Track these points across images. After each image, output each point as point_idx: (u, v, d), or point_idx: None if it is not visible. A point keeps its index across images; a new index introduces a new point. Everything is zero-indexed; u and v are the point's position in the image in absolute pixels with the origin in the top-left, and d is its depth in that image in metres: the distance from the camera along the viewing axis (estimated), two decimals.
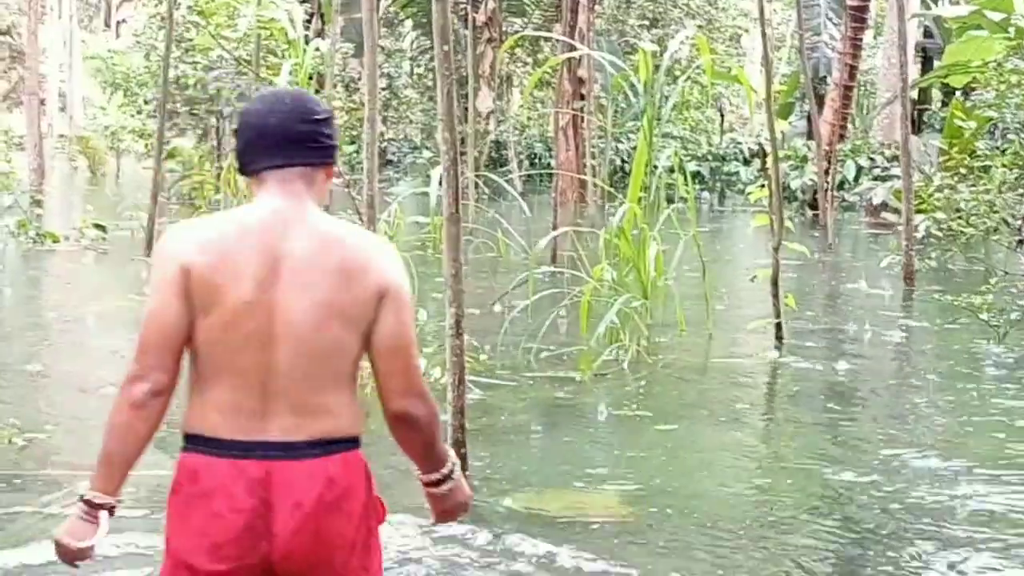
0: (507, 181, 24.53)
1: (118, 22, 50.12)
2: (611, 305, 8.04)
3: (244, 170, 3.24)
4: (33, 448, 5.56)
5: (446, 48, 4.98)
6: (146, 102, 23.76)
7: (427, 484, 3.32)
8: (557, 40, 22.59)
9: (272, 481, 3.14)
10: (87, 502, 3.06)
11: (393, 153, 32.30)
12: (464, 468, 5.03)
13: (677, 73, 21.40)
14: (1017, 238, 13.73)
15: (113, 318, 9.87)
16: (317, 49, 15.30)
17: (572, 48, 19.39)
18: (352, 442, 3.20)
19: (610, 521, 4.68)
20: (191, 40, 20.22)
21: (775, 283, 8.87)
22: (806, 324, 9.96)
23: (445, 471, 3.26)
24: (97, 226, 15.05)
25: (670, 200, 9.32)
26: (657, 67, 8.67)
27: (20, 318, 9.85)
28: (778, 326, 8.84)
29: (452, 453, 3.27)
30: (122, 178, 32.62)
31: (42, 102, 30.14)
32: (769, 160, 9.26)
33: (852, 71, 23.35)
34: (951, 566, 4.34)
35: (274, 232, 3.20)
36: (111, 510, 3.04)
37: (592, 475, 5.36)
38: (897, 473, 5.56)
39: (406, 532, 4.45)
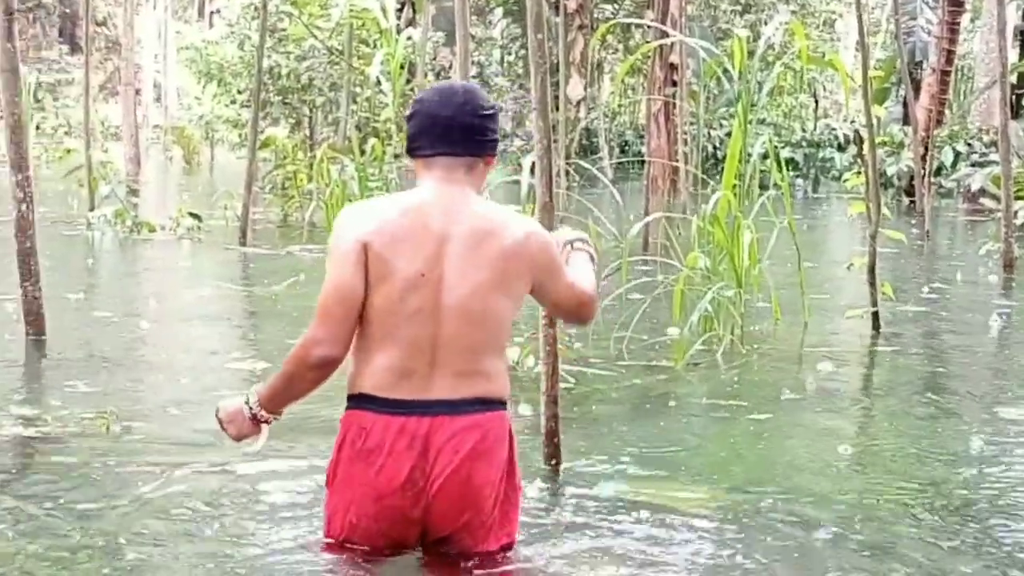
0: (598, 169, 24.45)
1: (211, 12, 50.63)
2: (704, 294, 7.98)
3: (413, 154, 3.68)
4: (130, 436, 5.62)
5: (540, 36, 4.95)
6: (239, 92, 23.97)
7: None
8: (649, 26, 22.48)
9: (433, 435, 3.59)
10: (253, 415, 3.67)
11: None
12: (557, 459, 5.01)
13: (771, 59, 21.20)
14: None
15: (209, 306, 9.97)
16: (409, 38, 15.35)
17: (664, 35, 19.26)
18: (502, 404, 3.73)
19: (704, 512, 4.63)
20: (284, 30, 20.36)
21: (872, 271, 8.75)
22: (903, 313, 9.82)
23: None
24: (192, 215, 15.23)
25: (763, 187, 9.22)
26: (751, 53, 8.57)
27: (118, 306, 9.95)
28: (875, 315, 8.72)
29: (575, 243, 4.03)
30: (216, 167, 33.01)
31: (137, 92, 30.50)
32: (865, 146, 9.13)
33: (949, 56, 22.97)
34: None
35: (440, 214, 3.61)
36: (268, 423, 3.69)
37: (686, 465, 5.31)
38: (998, 465, 5.46)
39: None
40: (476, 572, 3.72)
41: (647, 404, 6.49)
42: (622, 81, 34.27)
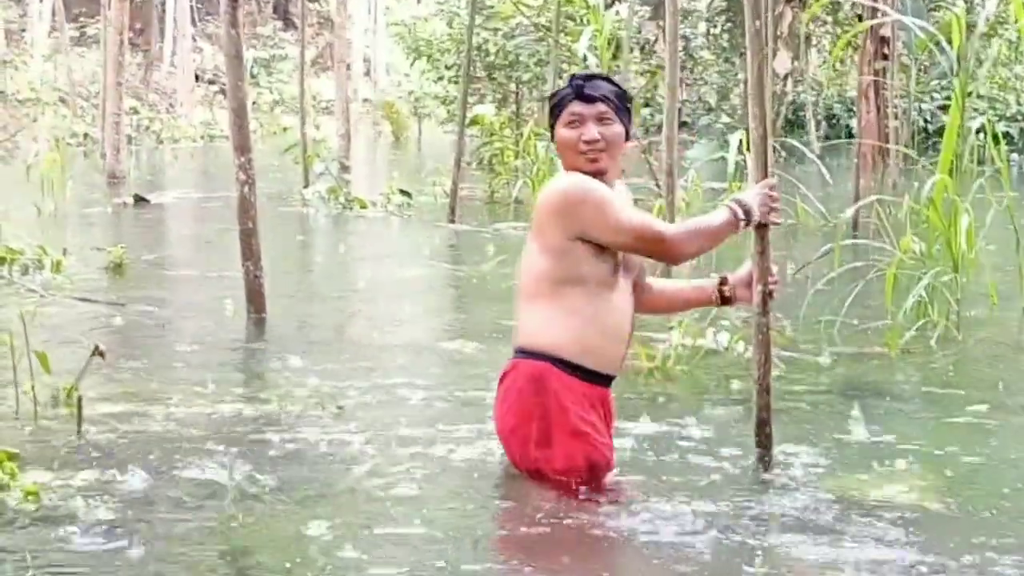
0: (805, 144, 24.02)
1: None
2: (917, 278, 7.81)
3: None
4: (347, 417, 5.75)
5: (758, 24, 4.91)
6: (447, 67, 24.26)
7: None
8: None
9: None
10: None
11: (687, 115, 32.06)
12: (768, 447, 4.99)
13: (986, 30, 20.55)
14: None
15: (420, 285, 10.17)
16: (617, 12, 15.38)
17: (876, 11, 18.89)
18: (530, 353, 4.32)
19: (914, 506, 4.56)
20: (492, 7, 20.52)
21: None
22: None
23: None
24: (402, 192, 15.52)
25: (979, 162, 8.95)
26: (971, 27, 8.33)
27: (332, 284, 10.24)
28: None
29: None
30: (423, 142, 33.50)
31: (348, 67, 31.10)
32: None
33: None
34: None
35: None
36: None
37: (898, 457, 5.22)
38: None
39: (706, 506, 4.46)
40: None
41: (859, 393, 6.40)
42: (831, 54, 33.64)
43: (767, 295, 4.83)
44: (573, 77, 4.52)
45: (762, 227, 4.68)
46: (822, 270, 8.70)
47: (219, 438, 5.37)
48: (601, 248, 4.33)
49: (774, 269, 4.78)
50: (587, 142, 4.39)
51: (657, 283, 4.97)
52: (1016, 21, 9.22)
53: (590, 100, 4.42)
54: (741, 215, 4.48)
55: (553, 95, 4.55)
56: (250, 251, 8.18)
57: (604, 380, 4.47)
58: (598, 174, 4.40)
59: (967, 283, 8.32)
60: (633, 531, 4.22)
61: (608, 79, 4.56)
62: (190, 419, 5.70)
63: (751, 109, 5.02)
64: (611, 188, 4.42)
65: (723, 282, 4.81)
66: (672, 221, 11.49)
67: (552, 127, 4.51)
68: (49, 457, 5.08)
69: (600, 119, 4.42)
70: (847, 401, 6.24)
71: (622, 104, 4.49)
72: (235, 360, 7.14)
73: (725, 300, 4.84)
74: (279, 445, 5.29)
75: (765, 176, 4.76)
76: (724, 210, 4.52)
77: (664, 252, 4.43)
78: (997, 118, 25.09)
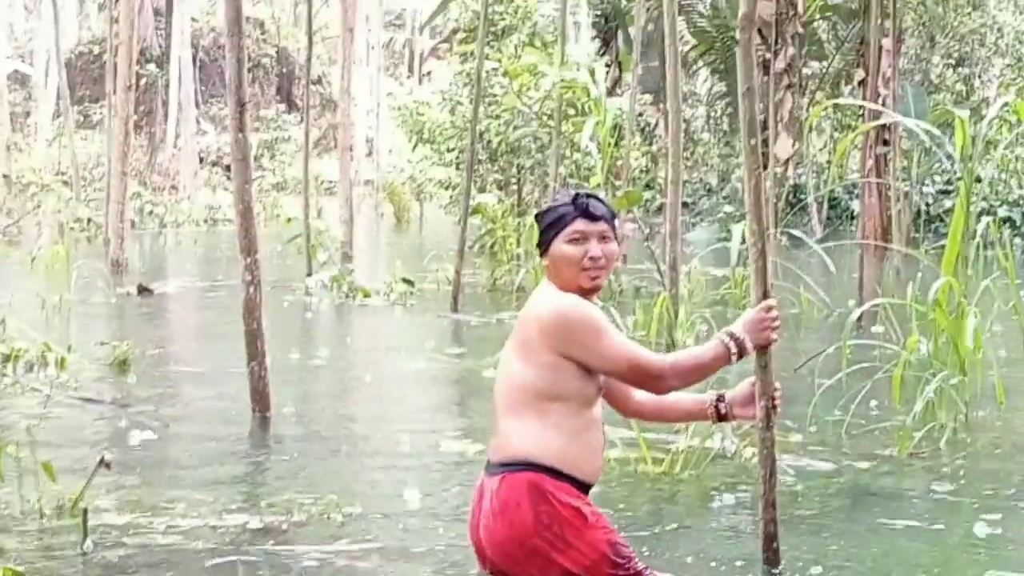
0: (808, 227, 24.09)
1: (423, 75, 51.68)
2: (925, 380, 7.77)
3: None
4: (350, 527, 5.71)
5: (753, 142, 4.93)
6: (449, 150, 24.41)
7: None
8: (859, 85, 22.29)
9: (484, 491, 4.18)
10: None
11: (688, 196, 32.20)
12: (776, 563, 4.94)
13: (984, 112, 20.70)
14: None
15: (424, 380, 10.13)
16: (619, 108, 15.47)
17: (876, 90, 19.12)
18: (517, 465, 4.12)
19: None
20: (495, 95, 20.68)
21: None
22: None
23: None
24: (405, 281, 15.53)
25: (984, 246, 8.88)
26: (974, 110, 8.35)
27: (336, 380, 10.22)
28: None
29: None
30: (425, 224, 33.61)
31: (350, 148, 31.31)
32: None
33: None
34: None
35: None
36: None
37: (911, 571, 5.18)
38: None
39: None
40: None
41: (869, 499, 6.36)
42: (831, 137, 33.91)
43: (770, 410, 4.80)
44: (576, 196, 4.48)
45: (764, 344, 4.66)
46: (831, 366, 8.65)
47: (225, 552, 5.35)
48: (588, 369, 4.34)
49: (777, 385, 4.75)
50: (592, 259, 4.37)
51: (646, 393, 4.93)
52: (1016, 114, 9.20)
53: (594, 218, 4.39)
54: (734, 349, 4.38)
55: (550, 210, 4.43)
56: (255, 351, 8.18)
57: (585, 488, 4.45)
58: (594, 292, 4.40)
59: (974, 380, 8.26)
60: None
61: (601, 199, 4.55)
62: (195, 531, 5.66)
63: (749, 225, 5.01)
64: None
65: (720, 399, 4.76)
66: (676, 312, 11.52)
67: (545, 242, 4.36)
68: (56, 573, 5.05)
69: (602, 237, 4.43)
70: (857, 510, 6.19)
71: (616, 223, 4.50)
72: (240, 466, 7.10)
73: (721, 417, 4.76)
74: (286, 559, 5.26)
75: (765, 296, 4.74)
76: (717, 344, 4.41)
77: (652, 386, 4.35)
78: (999, 202, 25.16)
